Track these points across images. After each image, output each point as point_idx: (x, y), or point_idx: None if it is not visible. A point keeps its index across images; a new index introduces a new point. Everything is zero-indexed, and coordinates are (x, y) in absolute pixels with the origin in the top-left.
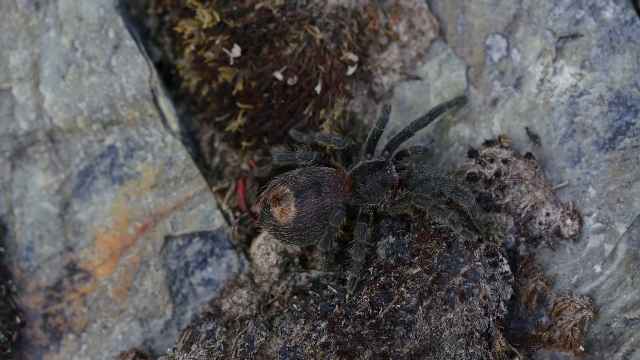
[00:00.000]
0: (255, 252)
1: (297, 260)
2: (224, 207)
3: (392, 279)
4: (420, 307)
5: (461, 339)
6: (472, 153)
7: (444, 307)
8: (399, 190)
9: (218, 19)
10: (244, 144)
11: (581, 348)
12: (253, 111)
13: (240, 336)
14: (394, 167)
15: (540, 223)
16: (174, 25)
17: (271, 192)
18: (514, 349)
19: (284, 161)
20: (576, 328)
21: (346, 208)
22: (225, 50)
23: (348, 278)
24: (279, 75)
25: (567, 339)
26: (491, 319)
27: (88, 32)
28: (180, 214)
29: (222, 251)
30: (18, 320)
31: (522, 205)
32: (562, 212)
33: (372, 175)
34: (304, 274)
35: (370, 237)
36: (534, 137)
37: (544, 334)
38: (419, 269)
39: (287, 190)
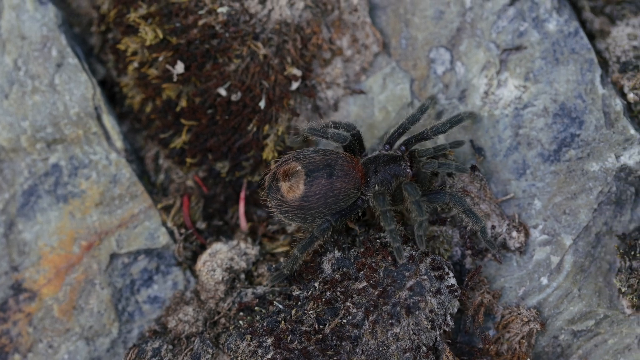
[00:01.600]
0: (201, 269)
1: (243, 276)
2: (169, 224)
3: (338, 293)
4: (366, 322)
5: (408, 353)
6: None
7: (390, 321)
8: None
9: (161, 36)
10: (188, 160)
11: None
12: (197, 127)
13: (186, 354)
14: (409, 163)
15: None
16: (117, 42)
17: (282, 166)
18: None
19: (315, 135)
20: (523, 341)
21: (352, 201)
22: (168, 66)
23: (390, 249)
24: (222, 91)
25: (515, 352)
26: (438, 332)
27: (31, 50)
28: (126, 231)
29: (168, 268)
30: None
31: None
32: (508, 225)
33: (385, 167)
34: (250, 290)
35: (390, 202)
36: (478, 150)
37: (492, 347)
38: (364, 284)
39: (299, 168)
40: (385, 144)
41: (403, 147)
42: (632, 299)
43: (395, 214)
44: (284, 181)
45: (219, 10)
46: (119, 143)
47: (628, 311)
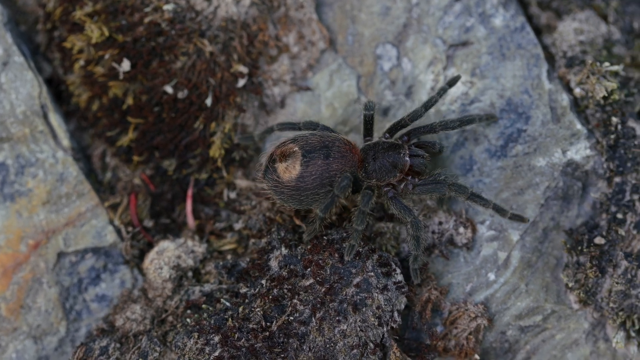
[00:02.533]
0: (148, 267)
1: (190, 274)
2: (117, 223)
3: (285, 291)
4: (313, 319)
5: (355, 350)
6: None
7: (337, 318)
8: (408, 177)
9: (107, 34)
10: (135, 158)
11: (477, 357)
12: (144, 125)
13: (134, 352)
14: (407, 151)
15: (433, 232)
16: (63, 40)
17: (280, 148)
18: (409, 358)
19: (286, 129)
20: (471, 336)
21: (353, 179)
22: (114, 64)
23: (346, 245)
24: (169, 89)
25: (463, 348)
26: (385, 329)
27: None
28: (73, 230)
29: (116, 267)
30: None
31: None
32: (455, 221)
33: (384, 154)
34: (197, 288)
35: (373, 207)
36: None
37: (439, 343)
38: (311, 281)
39: (296, 149)
40: (385, 133)
41: (405, 137)
42: (579, 294)
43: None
44: (280, 162)
45: (165, 7)
46: (65, 141)
47: (575, 306)
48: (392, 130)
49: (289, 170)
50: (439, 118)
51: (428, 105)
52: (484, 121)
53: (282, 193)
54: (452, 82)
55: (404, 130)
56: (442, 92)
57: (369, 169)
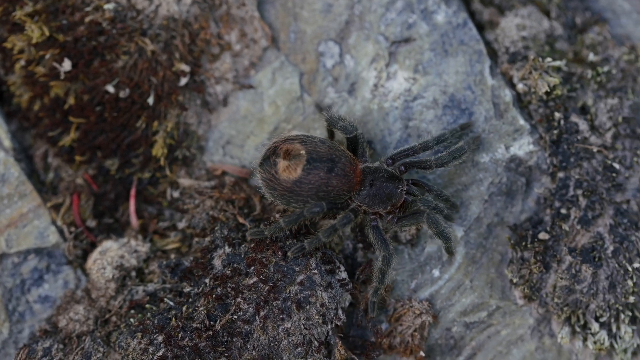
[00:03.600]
0: (92, 267)
1: (133, 274)
2: (59, 223)
3: (229, 289)
4: (257, 318)
5: (300, 348)
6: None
7: (281, 316)
8: (395, 210)
9: (47, 34)
10: (77, 158)
11: (422, 353)
12: (86, 125)
13: (77, 352)
14: (405, 188)
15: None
16: (3, 41)
17: (286, 144)
18: (353, 356)
19: (327, 122)
20: (416, 333)
21: (337, 204)
22: (55, 64)
23: (297, 244)
24: (110, 88)
25: (408, 345)
26: (329, 327)
27: None
28: (15, 231)
29: (59, 267)
30: None
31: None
32: None
33: (382, 184)
34: (140, 288)
35: (348, 233)
36: (368, 143)
37: (384, 340)
38: (255, 279)
39: (303, 152)
40: (388, 159)
41: (402, 168)
42: (524, 289)
43: None
44: (283, 159)
45: (106, 6)
46: (7, 142)
47: (520, 302)
48: (395, 157)
49: (289, 171)
50: (383, 118)
51: (440, 140)
52: (472, 144)
53: (273, 189)
54: (464, 127)
55: (405, 160)
56: (455, 132)
57: (363, 193)
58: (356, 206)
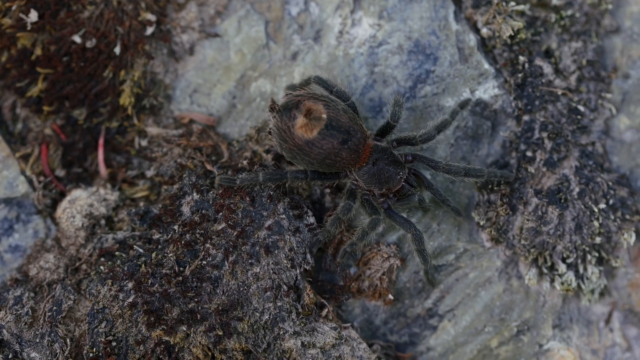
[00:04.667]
0: (61, 216)
1: (103, 222)
2: (28, 173)
3: (198, 235)
4: (226, 263)
5: (269, 293)
6: (274, 107)
7: (249, 261)
8: (389, 194)
9: None
10: (45, 108)
11: (390, 297)
12: (53, 75)
13: (48, 300)
14: (405, 176)
15: None
16: None
17: (310, 101)
18: (323, 300)
19: (322, 86)
20: (384, 277)
21: (334, 173)
22: (22, 15)
23: (313, 238)
24: (77, 39)
25: (376, 289)
26: (298, 271)
27: None
28: None
29: (28, 217)
30: None
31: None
32: None
33: (385, 166)
34: (110, 236)
35: (351, 217)
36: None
37: (353, 284)
38: (223, 225)
39: (324, 116)
40: (393, 141)
41: (410, 157)
42: (491, 232)
43: None
44: (303, 116)
45: None
46: None
47: (487, 244)
48: (399, 142)
49: (306, 130)
50: (349, 64)
51: (440, 127)
52: (458, 113)
53: (284, 141)
54: (463, 105)
55: (411, 149)
56: (455, 114)
57: (364, 169)
58: (352, 181)
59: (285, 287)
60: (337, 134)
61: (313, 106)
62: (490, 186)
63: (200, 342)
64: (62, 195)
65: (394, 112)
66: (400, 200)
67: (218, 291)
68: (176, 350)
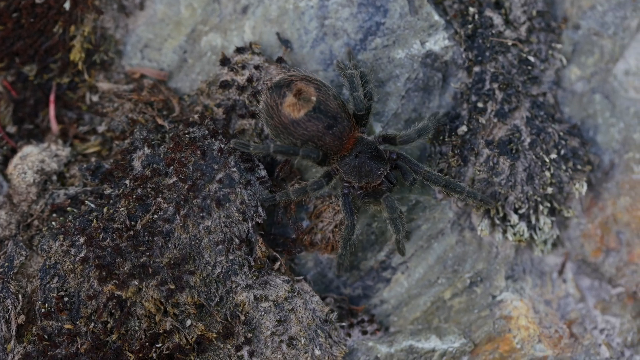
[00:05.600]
0: (12, 172)
1: (55, 178)
2: None
3: (149, 190)
4: (177, 217)
5: (220, 246)
6: (225, 61)
7: (201, 214)
8: (369, 189)
9: None
10: None
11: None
12: (3, 32)
13: (0, 257)
14: (385, 173)
15: None
16: None
17: (303, 82)
18: (275, 253)
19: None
20: (337, 229)
21: (317, 156)
22: None
23: (273, 196)
24: None
25: (329, 241)
26: (250, 224)
27: None
28: None
29: None
30: None
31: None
32: None
33: (367, 160)
34: (62, 191)
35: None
36: (285, 42)
37: (305, 237)
38: (174, 179)
39: (314, 99)
40: (379, 137)
41: (394, 155)
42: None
43: None
44: (293, 95)
45: None
46: None
47: (440, 196)
48: (384, 138)
49: (293, 109)
50: (299, 17)
51: (421, 132)
52: (438, 123)
53: (270, 117)
54: (445, 115)
55: (395, 149)
56: (433, 117)
57: (346, 159)
58: (333, 169)
59: (237, 240)
60: (323, 118)
61: (304, 87)
62: (441, 137)
63: (152, 297)
64: (14, 151)
65: (356, 101)
66: (368, 193)
67: (170, 245)
68: (128, 304)
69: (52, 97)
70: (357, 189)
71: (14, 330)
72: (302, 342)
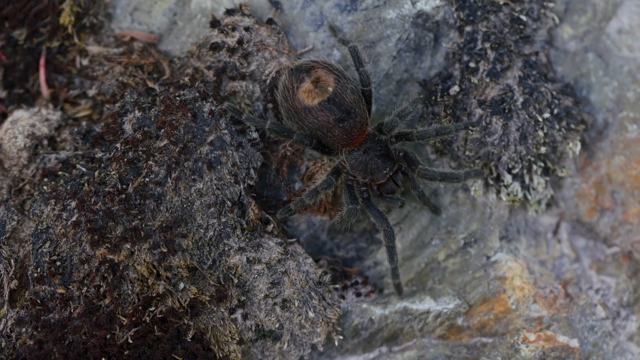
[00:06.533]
0: (3, 137)
1: (45, 142)
2: None
3: (140, 153)
4: (169, 179)
5: (212, 209)
6: (215, 23)
7: (192, 177)
8: (374, 187)
9: None
10: None
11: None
12: None
13: None
14: (391, 173)
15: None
16: None
17: (323, 70)
18: (267, 215)
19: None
20: (329, 192)
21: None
22: None
23: (291, 205)
24: None
25: (322, 203)
26: (242, 186)
27: None
28: None
29: None
30: None
31: (267, 72)
32: None
33: (374, 158)
34: (53, 156)
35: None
36: (275, 4)
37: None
38: (165, 142)
39: (330, 89)
40: (393, 136)
41: (401, 154)
42: (435, 144)
43: None
44: (311, 82)
45: None
46: None
47: (432, 156)
48: (398, 136)
49: (308, 95)
50: None
51: (440, 132)
52: (457, 132)
53: (284, 99)
54: (467, 125)
55: (403, 149)
56: (458, 127)
57: (353, 154)
58: (340, 162)
59: (229, 203)
60: (336, 110)
61: (324, 76)
62: (434, 98)
63: (144, 260)
64: (4, 116)
65: (363, 77)
66: (382, 197)
67: (161, 208)
68: (121, 268)
69: (42, 61)
70: (360, 184)
71: (6, 295)
72: (296, 304)
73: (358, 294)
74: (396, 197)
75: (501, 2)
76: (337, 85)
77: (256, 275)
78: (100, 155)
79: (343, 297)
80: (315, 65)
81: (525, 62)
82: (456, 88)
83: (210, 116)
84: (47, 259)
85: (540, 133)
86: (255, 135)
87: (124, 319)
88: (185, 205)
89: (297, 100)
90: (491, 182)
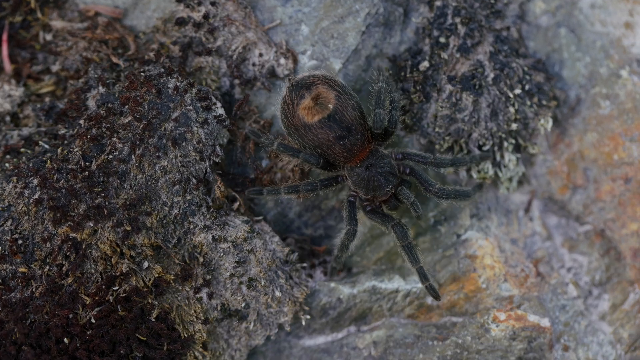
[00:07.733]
0: None
1: (8, 118)
2: None
3: (104, 129)
4: (133, 157)
5: (177, 186)
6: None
7: (157, 154)
8: (376, 203)
9: None
10: None
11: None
12: None
13: None
14: (394, 190)
15: (254, 64)
16: None
17: (324, 87)
18: (234, 193)
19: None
20: (297, 168)
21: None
22: None
23: (264, 190)
24: None
25: (289, 180)
26: (207, 164)
27: None
28: None
29: None
30: None
31: (233, 47)
32: (276, 52)
33: (377, 175)
34: (15, 132)
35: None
36: None
37: (265, 176)
38: (129, 118)
39: (331, 106)
40: (399, 153)
41: (408, 169)
42: (405, 120)
43: None
44: (311, 98)
45: None
46: None
47: (402, 133)
48: (411, 156)
49: (307, 113)
50: None
51: (455, 162)
52: (479, 160)
53: (284, 115)
54: (483, 157)
55: (410, 164)
56: (474, 159)
57: (355, 170)
58: (342, 176)
59: (194, 180)
60: (336, 128)
61: (324, 92)
62: (403, 74)
63: (108, 238)
64: None
65: (376, 119)
66: (375, 212)
67: (125, 185)
68: (83, 246)
69: (4, 36)
70: (363, 200)
71: None
72: (262, 283)
73: (326, 273)
74: (389, 220)
75: None
76: (338, 102)
77: (222, 254)
78: (63, 132)
79: (311, 276)
80: (316, 80)
81: (497, 37)
82: (426, 64)
83: (175, 92)
84: (8, 237)
85: (512, 109)
86: (221, 111)
87: (86, 298)
88: (149, 183)
89: (297, 117)
90: None
